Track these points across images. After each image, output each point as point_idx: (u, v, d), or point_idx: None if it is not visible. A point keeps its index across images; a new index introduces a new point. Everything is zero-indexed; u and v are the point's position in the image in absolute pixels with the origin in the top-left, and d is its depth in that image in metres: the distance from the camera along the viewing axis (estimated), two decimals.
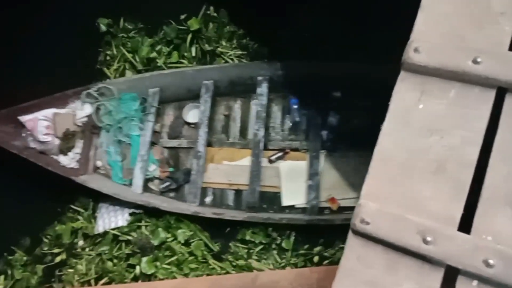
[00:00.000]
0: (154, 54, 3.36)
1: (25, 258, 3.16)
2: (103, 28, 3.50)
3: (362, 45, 2.92)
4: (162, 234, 2.96)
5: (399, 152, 1.09)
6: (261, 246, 2.92)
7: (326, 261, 2.79)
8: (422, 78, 1.13)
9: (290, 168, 3.01)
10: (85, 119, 3.13)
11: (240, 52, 3.32)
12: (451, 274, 0.97)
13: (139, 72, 3.38)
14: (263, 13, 3.19)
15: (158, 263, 2.91)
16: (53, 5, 3.44)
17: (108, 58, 3.49)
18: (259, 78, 3.10)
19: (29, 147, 3.05)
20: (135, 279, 2.93)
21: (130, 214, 3.10)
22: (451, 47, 1.11)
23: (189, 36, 3.34)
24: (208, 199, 3.07)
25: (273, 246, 2.92)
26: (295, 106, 3.05)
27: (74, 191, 3.16)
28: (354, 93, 2.98)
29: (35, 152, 3.05)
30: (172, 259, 2.92)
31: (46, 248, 3.16)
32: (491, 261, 0.92)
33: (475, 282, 0.95)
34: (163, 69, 3.30)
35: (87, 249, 3.10)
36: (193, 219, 2.98)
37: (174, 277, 2.87)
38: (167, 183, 3.07)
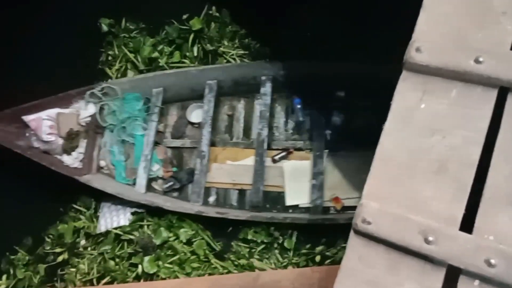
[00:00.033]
0: (156, 54, 3.36)
1: (27, 257, 3.18)
2: (105, 28, 3.51)
3: (363, 45, 2.91)
4: (164, 234, 2.96)
5: (400, 151, 1.09)
6: (263, 246, 2.92)
7: (328, 261, 2.78)
8: (424, 78, 1.13)
9: (294, 167, 3.00)
10: (89, 119, 3.14)
11: (242, 52, 3.32)
12: (452, 274, 0.97)
13: (141, 72, 3.38)
14: (263, 13, 3.19)
15: (160, 262, 2.92)
16: (53, 5, 3.45)
17: (109, 58, 3.49)
18: (263, 77, 3.09)
19: (32, 147, 3.06)
20: (137, 278, 2.93)
21: (132, 214, 3.11)
22: (453, 46, 1.11)
23: (191, 36, 3.34)
24: (212, 199, 3.07)
25: (275, 245, 2.91)
26: (299, 106, 3.05)
27: (76, 190, 3.17)
28: (357, 93, 2.96)
29: (39, 151, 3.06)
30: (174, 258, 2.92)
31: (48, 248, 3.18)
32: (493, 261, 0.92)
33: (477, 282, 0.95)
34: (165, 69, 3.30)
35: (89, 249, 3.11)
36: (195, 218, 2.98)
37: (176, 276, 2.87)
38: (170, 183, 3.07)
